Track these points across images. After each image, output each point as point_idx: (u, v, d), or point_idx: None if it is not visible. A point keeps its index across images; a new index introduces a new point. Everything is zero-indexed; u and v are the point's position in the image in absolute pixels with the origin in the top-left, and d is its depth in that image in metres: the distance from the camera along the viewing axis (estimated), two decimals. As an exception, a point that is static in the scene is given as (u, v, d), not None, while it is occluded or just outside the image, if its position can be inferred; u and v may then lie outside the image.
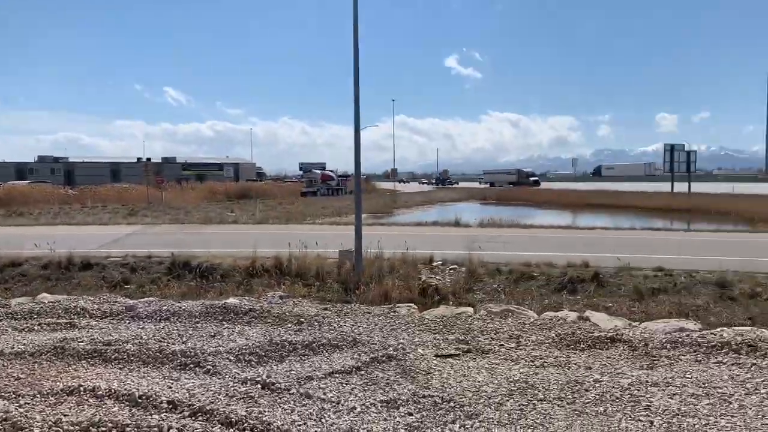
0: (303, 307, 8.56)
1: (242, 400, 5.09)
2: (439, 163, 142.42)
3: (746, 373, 5.71)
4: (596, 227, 22.50)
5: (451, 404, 4.98)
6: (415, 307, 8.81)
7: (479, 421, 4.66)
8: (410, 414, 4.83)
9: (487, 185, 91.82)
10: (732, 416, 4.70)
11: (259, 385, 5.41)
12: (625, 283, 10.33)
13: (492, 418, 4.73)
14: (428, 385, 5.47)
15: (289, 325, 7.59)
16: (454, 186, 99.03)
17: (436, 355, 6.35)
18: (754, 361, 6.04)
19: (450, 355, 6.35)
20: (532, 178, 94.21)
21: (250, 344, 6.57)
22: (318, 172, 67.06)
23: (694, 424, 4.55)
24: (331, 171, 71.34)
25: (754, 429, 4.46)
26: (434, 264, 12.18)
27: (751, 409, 4.84)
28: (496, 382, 5.50)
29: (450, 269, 11.76)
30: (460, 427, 4.57)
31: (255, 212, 29.25)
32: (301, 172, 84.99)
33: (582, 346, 6.65)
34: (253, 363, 6.12)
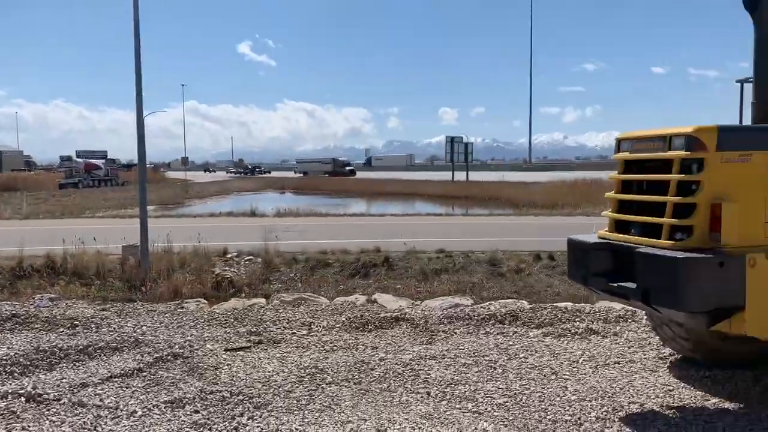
0: (78, 309, 7.81)
1: (2, 416, 4.50)
2: (234, 152, 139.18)
3: (509, 341, 6.43)
4: (386, 214, 23.74)
5: (240, 397, 4.90)
6: (205, 301, 8.52)
7: (268, 411, 4.66)
8: (197, 412, 4.66)
9: (301, 175, 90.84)
10: (496, 380, 5.25)
11: (23, 398, 4.83)
12: (412, 265, 11.01)
13: (281, 406, 4.75)
14: (217, 381, 5.33)
15: (62, 330, 6.89)
16: (264, 175, 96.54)
17: (226, 349, 6.21)
18: (516, 330, 6.83)
19: (240, 348, 6.25)
20: (348, 168, 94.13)
21: (12, 354, 5.83)
22: (81, 161, 59.71)
23: (465, 391, 5.01)
24: (102, 160, 63.46)
25: (513, 390, 5.02)
26: (229, 256, 11.89)
27: (512, 372, 5.46)
28: (287, 370, 5.53)
29: (246, 260, 11.57)
30: (248, 419, 4.51)
31: (22, 206, 25.98)
32: (60, 161, 75.22)
33: (370, 327, 6.96)
34: (15, 374, 5.45)
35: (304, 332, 6.83)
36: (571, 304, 7.65)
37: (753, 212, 4.15)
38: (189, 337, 6.58)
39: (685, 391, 5.01)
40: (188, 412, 4.64)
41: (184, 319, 7.41)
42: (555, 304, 7.60)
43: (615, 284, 4.46)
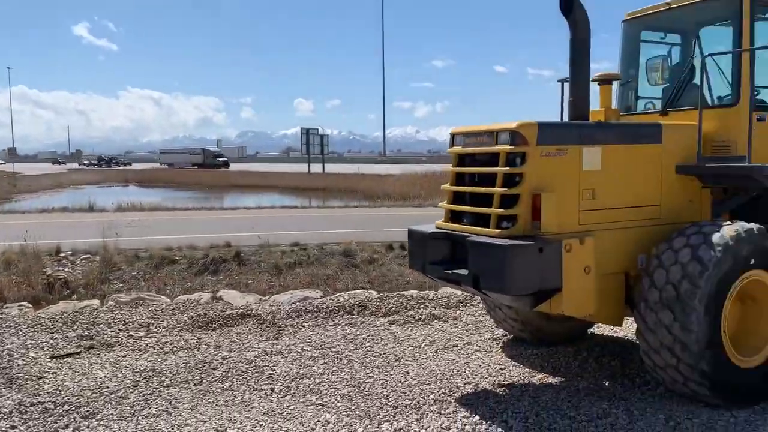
0: None
1: None
2: (71, 142, 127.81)
3: (357, 331, 6.53)
4: (239, 207, 23.12)
5: (66, 407, 4.52)
6: (30, 305, 7.75)
7: (97, 420, 4.34)
8: (14, 427, 4.24)
9: (166, 166, 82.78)
10: (341, 371, 5.30)
11: None
12: (265, 259, 10.80)
13: (112, 414, 4.45)
14: (39, 392, 4.87)
15: None
16: (124, 167, 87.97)
17: (52, 357, 5.70)
18: (364, 320, 6.95)
19: (69, 355, 5.77)
20: (220, 159, 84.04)
21: None
22: None
23: (309, 384, 5.00)
24: None
25: (357, 379, 5.10)
26: (63, 255, 10.93)
27: (357, 362, 5.54)
28: (121, 375, 5.19)
29: (82, 259, 10.70)
30: (73, 430, 4.18)
31: None
32: None
33: (214, 325, 6.73)
34: None
35: (142, 334, 6.45)
36: (417, 291, 7.92)
37: (569, 202, 4.53)
38: (9, 346, 5.96)
39: (515, 368, 5.38)
40: (4, 428, 4.20)
41: (4, 326, 6.69)
42: (402, 293, 7.83)
43: (450, 271, 4.66)
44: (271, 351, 5.81)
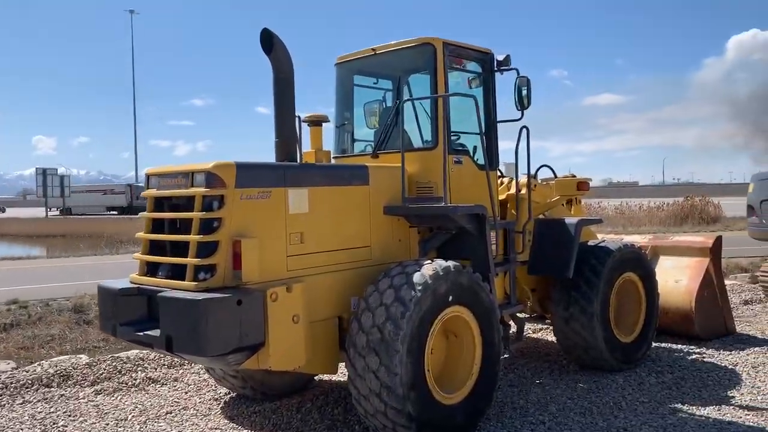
0: None
1: None
2: None
3: (51, 407, 5.48)
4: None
5: None
6: None
7: None
8: None
9: None
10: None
11: None
12: (-32, 323, 8.94)
13: None
14: None
15: None
16: None
17: None
18: (63, 392, 5.89)
19: None
20: None
21: None
22: None
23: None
24: None
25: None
26: None
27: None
28: None
29: None
30: None
31: None
32: None
33: None
34: None
35: None
36: (138, 351, 7.02)
37: (275, 247, 4.26)
38: None
39: (232, 431, 4.90)
40: None
41: None
42: (116, 355, 6.88)
43: (141, 333, 4.06)
44: None
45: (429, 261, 4.53)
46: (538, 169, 6.75)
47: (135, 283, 4.36)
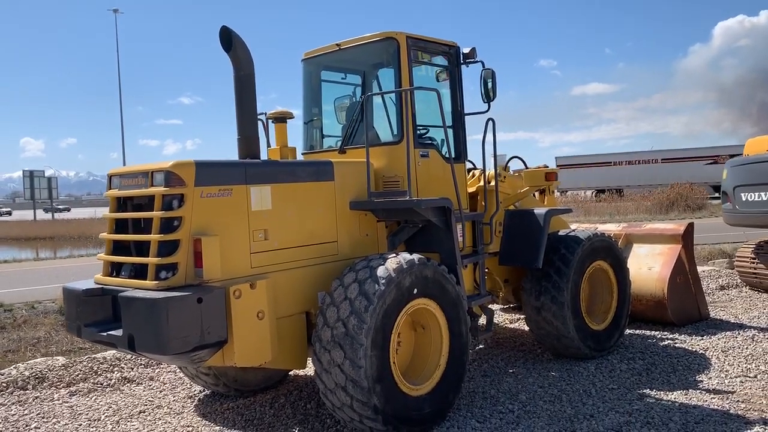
0: None
1: None
2: None
3: (24, 410, 5.48)
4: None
5: None
6: None
7: None
8: None
9: None
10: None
11: None
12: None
13: None
14: None
15: None
16: None
17: None
18: (38, 394, 5.89)
19: None
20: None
21: None
22: None
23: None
24: None
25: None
26: None
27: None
28: None
29: None
30: None
31: None
32: None
33: None
34: None
35: None
36: (114, 352, 7.02)
37: (238, 245, 4.27)
38: None
39: (204, 428, 4.92)
40: None
41: None
42: (93, 356, 6.88)
43: (104, 333, 4.07)
44: None
45: (394, 255, 4.56)
46: (509, 161, 6.79)
47: (99, 284, 4.37)
